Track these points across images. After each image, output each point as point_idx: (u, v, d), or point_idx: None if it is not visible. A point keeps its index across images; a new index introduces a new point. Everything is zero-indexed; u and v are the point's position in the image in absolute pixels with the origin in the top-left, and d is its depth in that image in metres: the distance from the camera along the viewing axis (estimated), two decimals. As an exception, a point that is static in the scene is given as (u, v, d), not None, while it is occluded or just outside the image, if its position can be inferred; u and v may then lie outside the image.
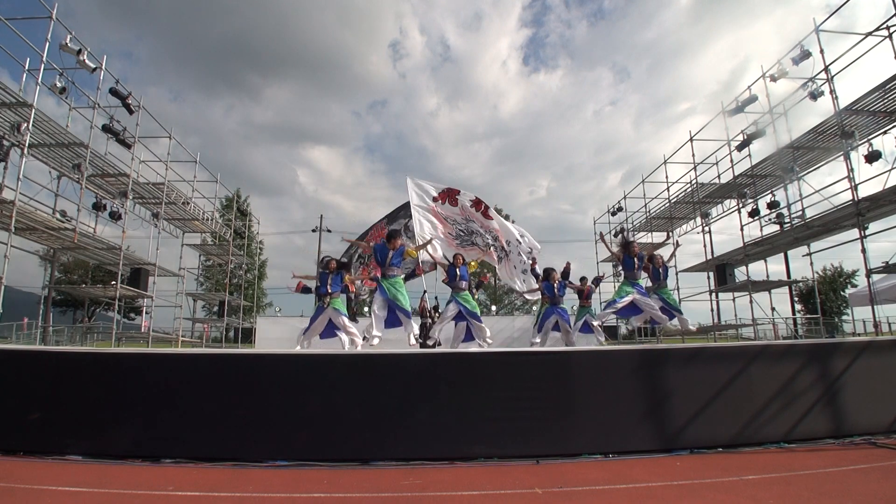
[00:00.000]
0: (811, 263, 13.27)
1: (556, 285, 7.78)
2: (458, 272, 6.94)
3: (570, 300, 8.88)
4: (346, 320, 6.44)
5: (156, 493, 3.34)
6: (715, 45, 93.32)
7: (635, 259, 7.12)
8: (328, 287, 6.40)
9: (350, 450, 4.24)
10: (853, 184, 9.90)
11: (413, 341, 6.42)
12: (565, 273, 8.04)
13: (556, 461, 4.14)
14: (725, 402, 4.58)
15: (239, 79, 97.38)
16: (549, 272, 7.92)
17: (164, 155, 14.50)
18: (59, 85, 10.49)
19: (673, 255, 8.21)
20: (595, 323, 7.80)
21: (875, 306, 10.26)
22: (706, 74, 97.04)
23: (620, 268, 7.75)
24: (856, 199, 9.76)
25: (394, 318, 6.39)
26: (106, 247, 12.58)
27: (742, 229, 13.78)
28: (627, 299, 6.91)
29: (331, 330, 6.55)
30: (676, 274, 16.81)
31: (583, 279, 8.51)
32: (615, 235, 19.62)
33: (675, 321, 7.12)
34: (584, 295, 8.27)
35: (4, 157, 9.22)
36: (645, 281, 7.45)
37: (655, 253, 7.57)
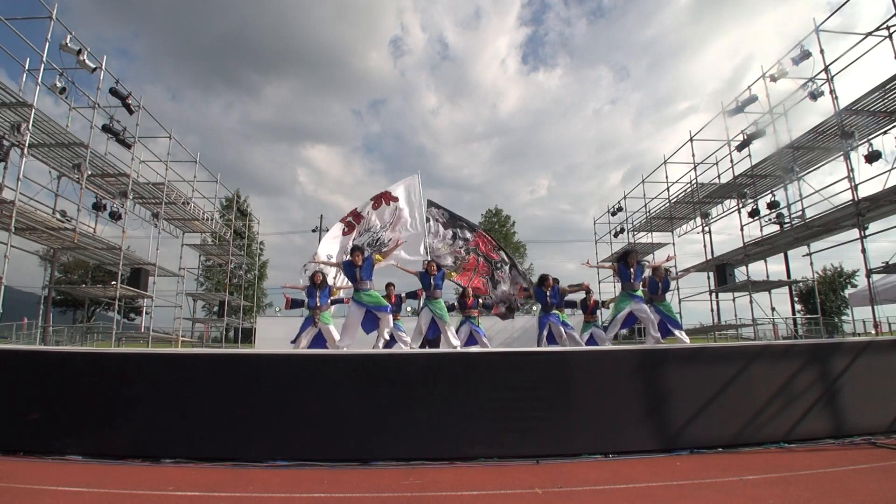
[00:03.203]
0: (811, 263, 13.29)
1: (548, 293, 7.50)
2: (433, 281, 7.02)
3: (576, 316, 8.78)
4: (333, 332, 6.51)
5: (156, 493, 3.34)
6: (715, 43, 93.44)
7: (632, 270, 6.90)
8: (317, 301, 6.49)
9: (350, 450, 4.24)
10: (853, 184, 9.90)
11: (387, 336, 6.55)
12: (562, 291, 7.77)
13: (556, 461, 4.14)
14: (725, 402, 4.58)
15: (237, 76, 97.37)
16: (543, 279, 7.70)
17: (163, 154, 14.51)
18: (59, 85, 10.49)
19: (675, 276, 8.09)
20: (605, 339, 7.69)
21: (875, 306, 10.26)
22: (706, 73, 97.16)
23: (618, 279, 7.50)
24: (856, 199, 9.76)
25: (371, 320, 6.48)
26: (106, 247, 12.58)
27: (742, 229, 13.80)
28: (625, 312, 6.79)
29: (319, 343, 6.60)
30: (676, 274, 16.83)
31: (589, 291, 8.43)
32: (615, 236, 19.62)
33: (677, 335, 6.97)
34: (588, 310, 8.23)
35: (4, 157, 9.22)
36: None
37: (658, 266, 7.29)
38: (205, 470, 3.97)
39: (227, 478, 3.75)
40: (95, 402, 4.49)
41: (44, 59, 9.75)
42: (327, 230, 9.23)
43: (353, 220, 8.37)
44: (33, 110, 9.39)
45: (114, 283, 12.66)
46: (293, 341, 6.56)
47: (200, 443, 4.29)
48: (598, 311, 8.71)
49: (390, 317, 6.55)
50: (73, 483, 3.55)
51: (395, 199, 8.35)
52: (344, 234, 8.30)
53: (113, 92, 11.82)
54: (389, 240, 8.10)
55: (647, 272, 7.19)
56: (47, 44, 9.79)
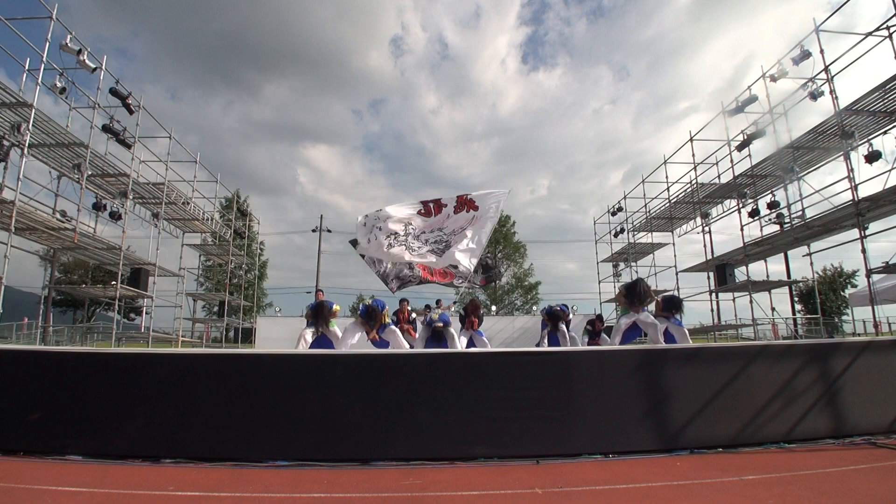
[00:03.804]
0: (811, 263, 13.30)
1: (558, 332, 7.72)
2: (440, 317, 7.15)
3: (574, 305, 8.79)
4: (338, 331, 6.51)
5: (156, 493, 3.34)
6: (715, 43, 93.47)
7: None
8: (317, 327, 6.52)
9: (350, 450, 4.23)
10: (853, 184, 9.90)
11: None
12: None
13: (556, 461, 4.14)
14: (725, 402, 4.57)
15: (237, 75, 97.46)
16: (556, 318, 7.83)
17: (163, 154, 14.52)
18: (59, 85, 10.50)
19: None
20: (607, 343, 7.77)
21: (875, 306, 10.26)
22: (706, 73, 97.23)
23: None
24: (856, 199, 9.76)
25: (382, 342, 6.57)
26: (106, 247, 12.59)
27: (742, 229, 13.79)
28: (629, 320, 6.70)
29: (324, 345, 6.60)
30: (677, 274, 16.85)
31: (598, 316, 8.53)
32: (615, 236, 19.59)
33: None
34: (595, 329, 8.33)
35: (4, 157, 9.23)
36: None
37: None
38: (205, 470, 3.96)
39: (227, 478, 3.75)
40: (95, 402, 4.49)
41: (44, 59, 9.75)
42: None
43: (433, 207, 8.24)
44: (33, 110, 9.39)
45: (114, 283, 12.66)
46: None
47: (200, 443, 4.29)
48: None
49: (396, 330, 6.65)
50: (73, 483, 3.55)
51: (476, 209, 8.10)
52: (419, 213, 8.04)
53: (113, 92, 11.82)
54: (454, 243, 8.08)
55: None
56: (47, 44, 9.80)
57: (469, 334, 7.37)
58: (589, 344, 8.22)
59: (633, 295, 6.53)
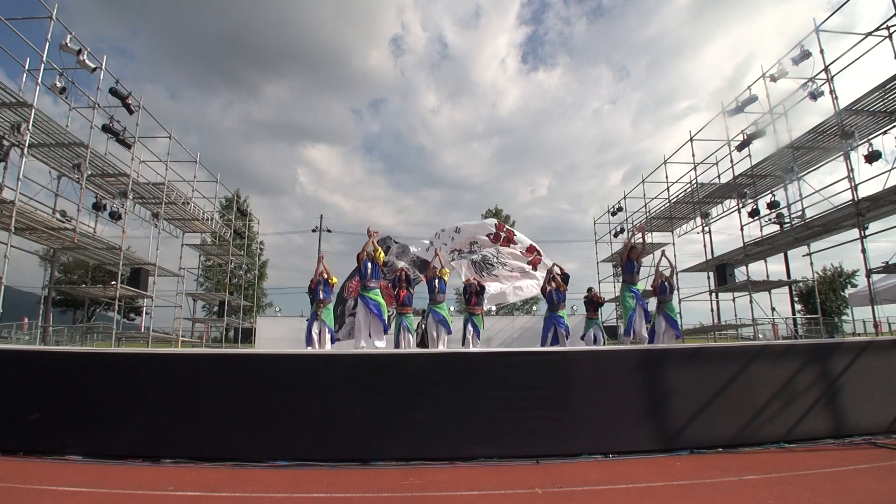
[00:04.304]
0: (811, 263, 13.27)
1: (554, 292, 7.76)
2: (437, 285, 7.24)
3: (573, 305, 8.95)
4: (327, 333, 6.50)
5: (156, 493, 3.34)
6: (715, 43, 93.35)
7: (636, 263, 7.46)
8: (321, 293, 6.50)
9: (350, 450, 4.24)
10: (853, 184, 9.89)
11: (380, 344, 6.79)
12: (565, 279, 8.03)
13: (556, 461, 4.14)
14: (725, 402, 4.58)
15: (237, 75, 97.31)
16: (551, 278, 7.98)
17: (163, 154, 14.49)
18: (58, 85, 10.49)
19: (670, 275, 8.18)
20: (601, 336, 8.02)
21: (875, 306, 10.25)
22: (706, 73, 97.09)
23: (620, 270, 7.91)
24: (856, 199, 9.75)
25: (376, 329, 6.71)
26: (106, 247, 12.58)
27: (742, 229, 13.78)
28: (634, 312, 7.26)
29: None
30: (677, 274, 16.83)
31: (590, 289, 8.57)
32: (615, 236, 19.60)
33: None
34: (592, 308, 8.35)
35: (4, 157, 9.22)
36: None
37: (660, 272, 7.76)
38: (205, 470, 3.97)
39: (227, 478, 3.75)
40: (95, 402, 4.49)
41: (44, 59, 9.74)
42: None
43: (504, 236, 9.11)
44: (33, 110, 9.38)
45: (114, 283, 12.65)
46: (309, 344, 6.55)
47: (200, 443, 4.29)
48: (600, 310, 8.79)
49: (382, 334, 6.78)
50: (73, 483, 3.56)
51: (535, 269, 9.16)
52: (487, 235, 9.30)
53: (113, 92, 11.80)
54: (490, 267, 8.91)
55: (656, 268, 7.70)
56: (47, 44, 9.78)
57: (469, 325, 7.47)
58: (588, 315, 8.32)
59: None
